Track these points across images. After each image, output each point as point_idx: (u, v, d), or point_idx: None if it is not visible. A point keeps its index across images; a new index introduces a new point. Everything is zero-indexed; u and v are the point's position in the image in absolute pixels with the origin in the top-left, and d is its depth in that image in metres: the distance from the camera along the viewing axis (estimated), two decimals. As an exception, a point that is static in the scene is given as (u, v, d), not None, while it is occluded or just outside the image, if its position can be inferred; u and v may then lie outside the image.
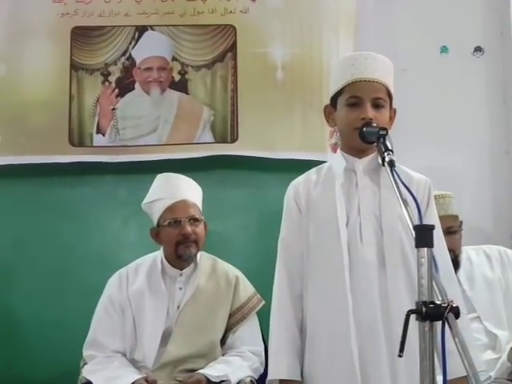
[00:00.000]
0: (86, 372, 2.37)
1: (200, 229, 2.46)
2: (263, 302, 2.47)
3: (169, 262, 2.48)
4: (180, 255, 2.44)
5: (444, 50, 3.25)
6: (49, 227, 3.03)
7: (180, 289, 2.45)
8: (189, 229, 2.41)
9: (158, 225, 2.47)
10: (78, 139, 3.05)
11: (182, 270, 2.47)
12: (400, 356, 1.32)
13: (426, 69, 3.21)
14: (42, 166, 3.00)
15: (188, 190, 2.51)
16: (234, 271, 2.54)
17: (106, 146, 3.04)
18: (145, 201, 2.53)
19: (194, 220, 2.44)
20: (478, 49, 3.25)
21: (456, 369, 1.45)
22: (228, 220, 3.01)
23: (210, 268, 2.51)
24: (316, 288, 1.81)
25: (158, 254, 2.52)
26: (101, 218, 3.07)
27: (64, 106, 3.04)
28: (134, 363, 2.38)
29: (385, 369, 1.71)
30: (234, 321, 2.45)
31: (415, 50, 3.21)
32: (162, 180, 2.54)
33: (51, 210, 3.05)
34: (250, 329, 2.46)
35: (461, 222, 2.66)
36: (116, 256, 2.94)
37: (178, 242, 2.42)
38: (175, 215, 2.43)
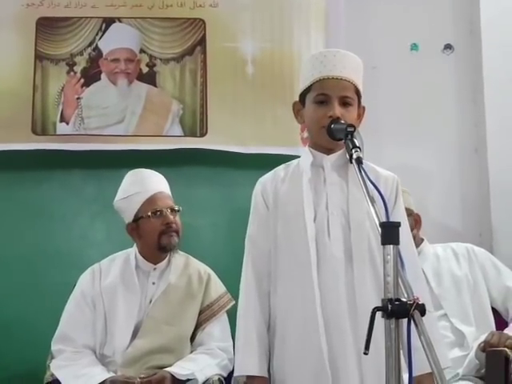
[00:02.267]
0: (54, 367, 2.36)
1: (178, 219, 2.50)
2: (233, 301, 2.49)
3: (144, 257, 2.50)
4: (163, 245, 2.46)
5: (414, 47, 3.26)
6: (14, 224, 2.99)
7: (153, 283, 2.47)
8: (171, 217, 2.46)
9: (137, 218, 2.47)
10: (41, 128, 3.01)
11: (156, 264, 2.49)
12: (365, 353, 1.32)
13: (396, 66, 3.22)
14: (5, 155, 2.95)
15: (161, 183, 2.55)
16: (206, 269, 2.56)
17: (70, 134, 3.00)
18: (119, 197, 2.52)
19: (173, 210, 2.49)
20: (448, 46, 3.27)
21: (422, 365, 1.45)
22: (197, 217, 2.99)
23: (183, 265, 2.53)
24: (284, 284, 1.80)
25: (132, 250, 2.53)
26: (67, 215, 3.04)
27: (27, 95, 3.00)
28: (103, 358, 2.38)
29: (352, 364, 1.71)
30: (203, 318, 2.46)
31: (385, 47, 3.22)
32: (135, 175, 2.55)
33: (16, 206, 3.01)
34: (219, 326, 2.47)
35: (412, 213, 2.63)
36: (82, 254, 2.92)
37: (161, 231, 2.45)
38: (157, 206, 2.47)
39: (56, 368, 2.35)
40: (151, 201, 2.46)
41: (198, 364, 2.34)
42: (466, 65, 3.25)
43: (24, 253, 2.95)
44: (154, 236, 2.45)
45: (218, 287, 2.53)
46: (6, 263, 2.94)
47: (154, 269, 2.49)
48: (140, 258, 2.49)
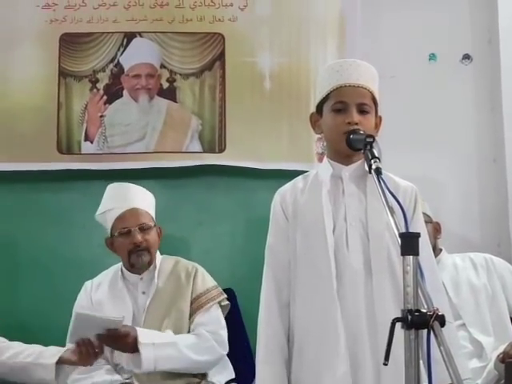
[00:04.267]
0: (71, 381, 2.39)
1: (151, 236, 2.49)
2: (225, 295, 2.51)
3: (127, 269, 2.53)
4: (132, 264, 2.48)
5: (432, 57, 3.26)
6: (36, 232, 3.02)
7: (143, 293, 2.49)
8: (139, 237, 2.45)
9: (112, 235, 2.51)
10: (67, 146, 3.04)
11: (141, 274, 2.51)
12: (385, 364, 1.32)
13: (415, 76, 3.21)
14: (30, 172, 2.99)
15: (138, 197, 2.54)
16: (194, 265, 2.57)
17: (94, 153, 3.03)
18: (97, 212, 2.57)
19: (144, 228, 2.48)
20: (466, 56, 3.27)
21: (441, 377, 1.44)
22: (215, 227, 3.01)
23: (171, 267, 2.54)
24: (303, 296, 1.80)
25: (120, 263, 2.57)
26: (87, 223, 3.04)
27: (52, 113, 3.03)
28: (116, 366, 2.41)
29: (369, 377, 1.71)
30: (192, 310, 2.46)
31: (404, 57, 3.21)
32: (112, 190, 2.58)
33: (38, 216, 3.04)
34: (207, 315, 2.45)
35: (432, 221, 2.64)
36: (102, 262, 2.92)
37: (129, 251, 2.47)
38: (125, 224, 2.47)
39: (73, 382, 2.39)
40: (121, 219, 2.48)
41: (161, 338, 2.32)
42: (485, 75, 3.23)
43: (44, 259, 2.98)
44: (124, 254, 2.49)
45: (206, 281, 2.53)
46: (27, 270, 2.98)
47: (141, 279, 2.51)
48: (125, 270, 2.53)
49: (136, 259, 2.47)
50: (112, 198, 2.54)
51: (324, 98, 1.85)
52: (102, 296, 2.49)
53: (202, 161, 3.02)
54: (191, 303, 2.46)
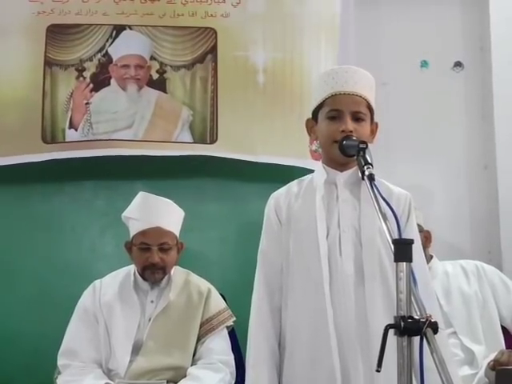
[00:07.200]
0: (61, 382, 2.37)
1: (170, 255, 2.48)
2: (234, 318, 2.51)
3: (141, 276, 2.51)
4: (146, 279, 2.48)
5: (424, 64, 3.27)
6: (25, 236, 3.00)
7: (151, 302, 2.47)
8: (156, 258, 2.44)
9: (132, 242, 2.50)
10: (51, 135, 2.99)
11: (153, 283, 2.49)
12: (378, 371, 1.31)
13: (406, 83, 3.23)
14: (17, 168, 2.94)
15: (165, 215, 2.51)
16: (206, 284, 2.56)
17: (79, 140, 2.98)
18: (124, 213, 2.54)
19: (164, 248, 2.46)
20: (458, 64, 3.28)
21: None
22: (206, 232, 3.00)
23: (183, 282, 2.53)
24: (296, 301, 1.80)
25: (133, 267, 2.53)
26: (77, 227, 3.04)
27: (37, 103, 2.98)
28: (109, 372, 2.38)
29: (361, 383, 1.70)
30: (202, 332, 2.45)
31: (395, 63, 3.23)
32: (143, 199, 2.54)
33: (27, 219, 3.01)
34: (218, 340, 2.46)
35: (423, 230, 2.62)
36: (92, 267, 2.93)
37: (144, 267, 2.45)
38: (146, 241, 2.46)
39: (63, 383, 2.37)
40: (143, 234, 2.46)
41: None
42: (476, 82, 3.26)
43: (33, 265, 2.96)
44: (139, 267, 2.48)
45: (218, 302, 2.52)
46: (16, 275, 2.95)
47: (152, 288, 2.49)
48: (138, 276, 2.50)
49: (149, 275, 2.46)
50: (139, 208, 2.50)
51: (319, 105, 1.85)
52: (111, 299, 2.45)
53: (193, 151, 2.97)
54: (202, 324, 2.45)
